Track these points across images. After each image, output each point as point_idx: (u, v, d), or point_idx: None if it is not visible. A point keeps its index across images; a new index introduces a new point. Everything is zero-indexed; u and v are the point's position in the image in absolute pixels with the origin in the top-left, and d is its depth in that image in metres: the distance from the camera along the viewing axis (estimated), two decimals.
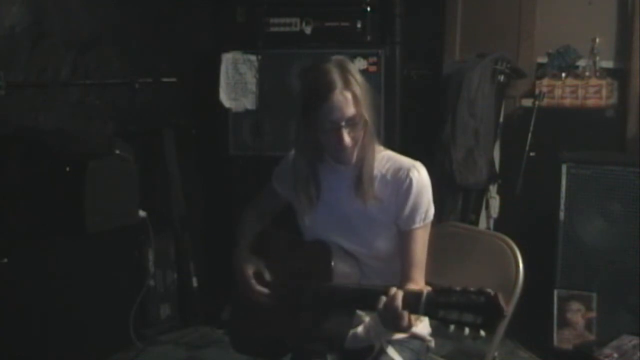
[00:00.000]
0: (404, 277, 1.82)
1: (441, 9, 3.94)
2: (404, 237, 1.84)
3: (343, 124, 1.73)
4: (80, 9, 3.25)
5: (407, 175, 1.81)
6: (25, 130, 2.96)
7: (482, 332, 1.42)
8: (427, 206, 1.83)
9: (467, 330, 1.42)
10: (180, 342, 3.47)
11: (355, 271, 1.84)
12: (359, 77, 1.77)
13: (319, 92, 1.73)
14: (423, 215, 1.82)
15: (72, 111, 3.27)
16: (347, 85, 1.73)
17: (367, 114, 1.75)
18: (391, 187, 1.83)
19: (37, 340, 2.75)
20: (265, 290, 1.93)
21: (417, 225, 1.82)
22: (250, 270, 1.95)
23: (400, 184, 1.82)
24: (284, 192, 2.01)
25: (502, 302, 1.39)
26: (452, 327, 1.44)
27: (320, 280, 1.78)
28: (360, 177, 1.82)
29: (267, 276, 1.95)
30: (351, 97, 1.73)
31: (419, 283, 1.79)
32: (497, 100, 3.66)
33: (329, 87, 1.72)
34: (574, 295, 3.15)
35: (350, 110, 1.73)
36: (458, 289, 1.46)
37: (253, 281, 1.93)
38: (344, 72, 1.74)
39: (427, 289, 1.53)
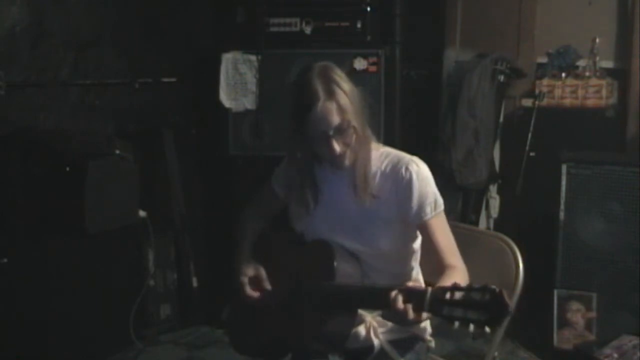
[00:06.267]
0: (440, 267, 1.81)
1: (441, 9, 3.94)
2: (423, 231, 1.85)
3: (331, 133, 1.74)
4: (80, 9, 3.25)
5: (407, 169, 1.82)
6: (25, 130, 2.96)
7: (487, 329, 1.42)
8: (434, 196, 1.83)
9: (471, 327, 1.42)
10: (180, 342, 3.47)
11: (357, 271, 1.84)
12: (344, 84, 1.76)
13: (303, 105, 1.74)
14: (433, 205, 1.82)
15: (72, 111, 3.27)
16: (330, 95, 1.73)
17: (355, 120, 1.76)
18: (391, 182, 1.84)
19: (37, 340, 2.75)
20: (257, 294, 1.94)
21: (429, 215, 1.82)
22: (247, 274, 1.95)
23: (400, 178, 1.82)
24: (283, 194, 2.01)
25: (506, 298, 1.40)
26: (456, 324, 1.44)
27: (322, 280, 1.78)
28: (355, 177, 1.83)
29: (265, 280, 1.95)
30: (335, 106, 1.73)
31: (457, 266, 1.79)
32: (497, 100, 3.65)
33: (312, 100, 1.72)
34: (574, 295, 3.15)
35: (336, 120, 1.73)
36: (462, 286, 1.46)
37: (247, 287, 1.95)
38: (327, 82, 1.74)
39: (430, 287, 1.53)
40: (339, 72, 1.79)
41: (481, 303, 1.41)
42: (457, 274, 1.74)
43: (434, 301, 1.50)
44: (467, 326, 1.43)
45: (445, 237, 1.84)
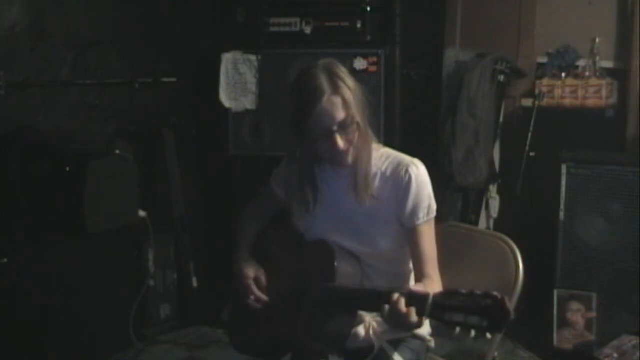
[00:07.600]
0: (418, 275, 1.84)
1: (441, 8, 3.94)
2: (410, 235, 1.84)
3: (335, 128, 1.74)
4: (80, 9, 3.26)
5: (407, 171, 1.82)
6: (25, 130, 2.96)
7: (489, 335, 1.42)
8: (428, 201, 1.83)
9: (473, 333, 1.42)
10: (180, 342, 3.47)
11: (357, 271, 1.84)
12: (348, 80, 1.76)
13: (308, 100, 1.73)
14: (426, 211, 1.83)
15: (72, 111, 3.27)
16: (335, 90, 1.73)
17: (358, 116, 1.75)
18: (391, 184, 1.84)
19: (37, 340, 2.74)
20: (264, 296, 1.94)
21: (421, 221, 1.82)
22: (251, 276, 1.95)
23: (400, 180, 1.82)
24: (283, 194, 2.01)
25: (508, 305, 1.39)
26: (457, 329, 1.44)
27: (323, 280, 1.78)
28: (356, 176, 1.83)
29: (266, 281, 1.95)
30: (340, 101, 1.73)
31: (433, 278, 1.81)
32: (497, 100, 3.65)
33: (317, 94, 1.72)
34: (574, 295, 3.15)
35: (341, 115, 1.73)
36: (464, 291, 1.45)
37: (254, 287, 1.94)
38: (332, 77, 1.74)
39: (433, 292, 1.53)
40: (342, 68, 1.79)
41: (483, 309, 1.41)
42: (434, 287, 1.74)
43: (436, 306, 1.49)
44: (468, 332, 1.43)
45: (431, 246, 1.84)
